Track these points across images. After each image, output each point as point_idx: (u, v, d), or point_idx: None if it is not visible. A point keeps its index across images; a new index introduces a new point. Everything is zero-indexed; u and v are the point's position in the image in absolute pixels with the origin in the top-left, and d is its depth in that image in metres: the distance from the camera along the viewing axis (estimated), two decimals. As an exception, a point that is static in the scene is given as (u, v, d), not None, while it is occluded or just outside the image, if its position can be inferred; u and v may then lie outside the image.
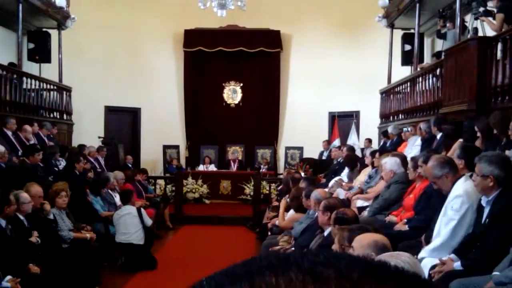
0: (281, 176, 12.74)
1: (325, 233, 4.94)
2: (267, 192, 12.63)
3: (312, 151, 14.66)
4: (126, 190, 8.68)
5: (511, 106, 5.66)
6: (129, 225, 7.60)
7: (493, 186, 3.80)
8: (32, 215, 5.88)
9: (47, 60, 13.21)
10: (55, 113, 12.96)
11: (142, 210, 7.99)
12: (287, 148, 16.28)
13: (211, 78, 16.35)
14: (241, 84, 16.52)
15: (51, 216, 6.35)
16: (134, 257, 7.52)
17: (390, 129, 10.52)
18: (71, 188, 7.07)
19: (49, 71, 13.34)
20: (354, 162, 8.98)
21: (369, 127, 14.07)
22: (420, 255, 4.23)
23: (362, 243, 2.90)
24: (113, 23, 14.92)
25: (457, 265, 3.72)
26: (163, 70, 16.13)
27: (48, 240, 5.90)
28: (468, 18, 8.32)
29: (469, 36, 7.68)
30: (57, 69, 13.41)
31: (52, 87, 12.92)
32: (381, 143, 11.35)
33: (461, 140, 6.43)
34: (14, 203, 5.44)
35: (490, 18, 7.43)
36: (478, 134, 6.11)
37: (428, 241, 4.40)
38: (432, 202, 4.94)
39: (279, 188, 11.49)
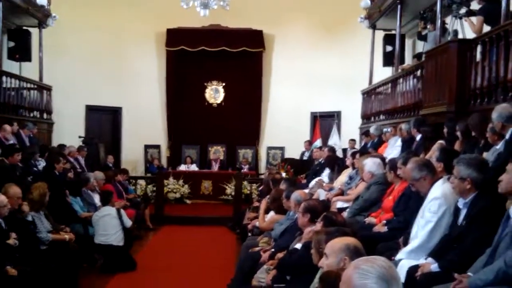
0: (263, 176, 12.74)
1: (304, 233, 4.93)
2: (248, 192, 12.63)
3: (294, 151, 14.74)
4: (106, 191, 8.62)
5: (489, 108, 5.69)
6: (109, 226, 7.55)
7: (471, 189, 3.83)
8: (10, 217, 5.78)
9: (28, 58, 13.07)
10: (35, 112, 12.83)
11: (122, 211, 7.93)
12: (269, 148, 16.32)
13: (193, 77, 16.30)
14: (223, 84, 16.51)
15: (29, 218, 6.26)
16: (113, 258, 7.47)
17: (371, 130, 10.55)
18: (50, 189, 6.98)
19: (29, 70, 13.18)
20: (334, 163, 8.99)
21: (351, 127, 14.15)
22: (398, 256, 4.26)
23: (334, 249, 2.90)
24: (94, 21, 14.81)
25: (435, 267, 3.74)
26: (145, 69, 16.04)
27: (26, 242, 5.80)
28: (449, 20, 8.38)
29: (449, 38, 7.73)
30: (37, 68, 13.27)
31: (32, 86, 12.79)
32: (362, 144, 11.39)
33: (440, 141, 6.47)
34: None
35: (473, 18, 7.49)
36: (459, 135, 6.15)
37: (406, 243, 4.42)
38: (411, 203, 4.97)
39: (260, 188, 11.49)
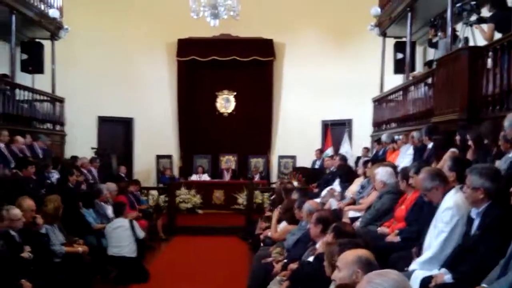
0: (274, 186, 12.72)
1: (317, 245, 4.93)
2: (260, 201, 12.60)
3: (305, 160, 14.71)
4: (119, 202, 8.64)
5: (501, 115, 5.66)
6: (122, 238, 7.56)
7: (484, 199, 3.81)
8: (24, 230, 5.81)
9: (40, 71, 13.21)
10: (48, 124, 12.94)
11: (135, 222, 7.95)
12: (280, 157, 16.31)
13: (204, 87, 16.39)
14: (234, 93, 16.57)
15: (43, 230, 6.30)
16: (126, 270, 7.47)
17: (383, 137, 10.52)
18: (63, 201, 7.02)
19: (42, 82, 13.30)
20: (346, 172, 8.96)
21: (362, 135, 14.11)
22: (411, 267, 4.23)
23: (346, 261, 2.89)
24: (106, 33, 14.96)
25: (448, 277, 3.72)
26: (156, 80, 16.14)
27: (40, 255, 5.84)
28: (459, 27, 8.35)
29: (460, 46, 7.71)
30: (50, 80, 13.39)
31: (45, 98, 12.91)
32: (374, 152, 11.36)
33: (452, 150, 6.44)
34: (6, 218, 5.41)
35: (484, 25, 7.46)
36: (470, 143, 6.12)
37: (419, 253, 4.40)
38: (424, 213, 4.95)
39: (272, 197, 11.48)
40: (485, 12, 7.74)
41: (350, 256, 2.93)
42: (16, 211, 5.66)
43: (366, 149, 12.69)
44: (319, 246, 4.80)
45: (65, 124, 14.01)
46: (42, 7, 12.46)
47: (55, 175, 9.39)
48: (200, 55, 15.94)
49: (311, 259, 4.58)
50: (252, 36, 15.71)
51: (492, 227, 3.65)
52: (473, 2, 7.64)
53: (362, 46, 14.57)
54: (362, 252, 2.99)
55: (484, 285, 3.32)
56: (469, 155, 6.04)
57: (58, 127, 13.60)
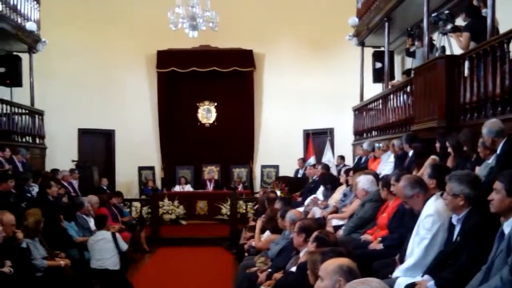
0: (258, 195, 12.75)
1: (301, 254, 4.96)
2: (244, 211, 12.61)
3: (288, 169, 14.77)
4: (100, 215, 8.58)
5: (479, 123, 5.76)
6: (104, 250, 7.50)
7: (464, 205, 3.87)
8: (4, 244, 5.76)
9: (19, 84, 13.06)
10: (27, 137, 12.80)
11: (117, 234, 7.89)
12: (263, 167, 16.34)
13: (185, 98, 16.39)
14: (215, 104, 16.60)
15: (24, 245, 6.23)
16: (110, 283, 7.42)
17: (364, 146, 10.61)
18: (44, 214, 6.96)
19: (20, 95, 13.17)
20: (328, 180, 9.02)
21: (344, 144, 14.19)
22: (395, 274, 4.28)
23: (328, 271, 2.90)
24: (85, 45, 14.91)
25: (431, 284, 3.76)
26: (136, 92, 16.09)
27: (22, 269, 5.78)
28: (436, 36, 8.48)
29: (437, 55, 7.83)
30: (28, 93, 13.27)
31: (24, 111, 12.77)
32: (356, 160, 11.44)
33: (433, 157, 6.53)
34: (-14, 233, 5.36)
35: (459, 34, 7.58)
36: (450, 150, 6.22)
37: (402, 260, 4.44)
38: (405, 220, 5.00)
39: (255, 207, 11.49)
40: (460, 22, 7.86)
41: (331, 265, 2.94)
42: (-5, 226, 5.61)
43: (341, 158, 12.82)
44: (302, 255, 4.82)
45: (45, 137, 13.87)
46: (19, 20, 12.33)
47: (35, 189, 9.30)
48: (180, 67, 15.94)
49: (294, 268, 4.59)
50: (231, 47, 15.78)
51: (473, 233, 3.70)
52: (446, 12, 7.78)
53: (341, 55, 14.70)
54: (343, 261, 3.01)
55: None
56: (449, 162, 6.13)
57: (38, 140, 13.46)
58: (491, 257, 3.33)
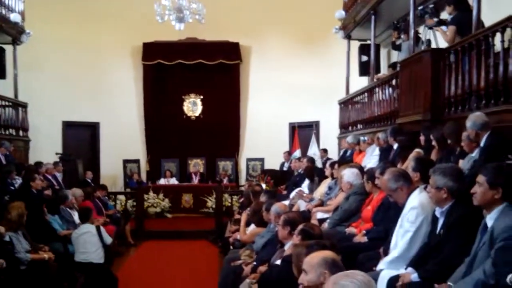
0: (243, 188, 12.74)
1: (286, 247, 4.96)
2: (229, 204, 12.61)
3: (273, 162, 14.78)
4: (84, 208, 8.51)
5: (464, 116, 5.79)
6: (89, 244, 7.45)
7: (447, 198, 3.88)
8: (-13, 238, 5.72)
9: (2, 76, 12.91)
10: (10, 130, 12.65)
11: (102, 228, 7.84)
12: (249, 160, 16.33)
13: (171, 91, 16.32)
14: (201, 97, 16.54)
15: (7, 238, 6.18)
16: (94, 276, 7.36)
17: (349, 139, 10.62)
18: (27, 207, 6.90)
19: (4, 87, 13.01)
20: (314, 173, 9.03)
21: (329, 137, 14.23)
22: (379, 267, 4.30)
23: (312, 264, 2.91)
24: (69, 37, 14.78)
25: (414, 276, 3.78)
26: (122, 84, 16.00)
27: (5, 263, 5.73)
28: (422, 29, 8.50)
29: (422, 48, 7.85)
30: (12, 85, 13.12)
31: (7, 103, 12.62)
32: (341, 153, 11.47)
33: (417, 150, 6.56)
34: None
35: (444, 27, 7.60)
36: (434, 143, 6.24)
37: (386, 253, 4.46)
38: (390, 213, 5.02)
39: (241, 200, 11.49)
40: (445, 15, 7.88)
41: (315, 258, 2.94)
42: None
43: (324, 151, 12.85)
44: (287, 248, 4.82)
45: (29, 129, 13.74)
46: (3, 11, 12.18)
47: (18, 181, 9.21)
48: (166, 59, 15.87)
49: (279, 261, 4.59)
50: (218, 39, 15.71)
51: (456, 225, 3.73)
52: (431, 6, 7.80)
53: (328, 49, 14.72)
54: (327, 254, 3.02)
55: (450, 283, 3.39)
56: (433, 155, 6.16)
57: (21, 133, 13.32)
58: (474, 250, 3.35)
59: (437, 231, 3.93)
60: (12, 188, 8.86)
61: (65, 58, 14.94)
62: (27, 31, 13.25)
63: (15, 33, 12.84)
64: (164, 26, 12.13)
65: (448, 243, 3.73)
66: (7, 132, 12.35)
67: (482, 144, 4.99)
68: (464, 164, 5.15)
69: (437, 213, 3.97)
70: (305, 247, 3.54)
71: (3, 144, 10.76)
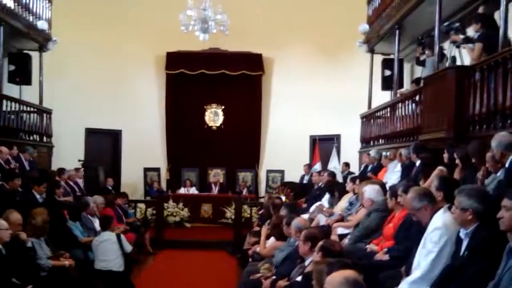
0: (263, 200, 12.74)
1: (306, 263, 4.94)
2: (248, 216, 12.60)
3: (294, 174, 14.75)
4: (106, 216, 8.57)
5: (488, 135, 5.73)
6: (109, 251, 7.50)
7: (472, 219, 3.83)
8: (10, 243, 5.77)
9: (28, 82, 13.13)
10: (35, 136, 12.84)
11: (122, 236, 7.89)
12: (269, 171, 16.33)
13: (193, 100, 16.40)
14: (223, 107, 16.60)
15: (29, 244, 6.24)
16: (113, 284, 7.40)
17: (372, 153, 10.61)
18: (51, 214, 6.97)
19: (29, 93, 13.24)
20: (334, 187, 8.99)
21: (350, 151, 14.16)
22: (400, 286, 4.25)
23: (333, 283, 2.88)
24: (94, 45, 14.93)
25: (437, 298, 3.74)
26: (144, 92, 16.14)
27: (26, 268, 5.79)
28: (447, 45, 8.45)
29: (447, 64, 7.80)
30: (37, 91, 13.33)
31: (32, 109, 12.82)
32: (362, 168, 11.41)
33: (440, 167, 6.50)
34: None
35: (471, 45, 7.55)
36: (458, 161, 6.18)
37: (408, 272, 4.42)
38: (412, 232, 4.97)
39: (260, 212, 11.48)
40: (471, 32, 7.83)
41: (337, 277, 2.92)
42: (2, 222, 5.62)
43: (346, 164, 12.81)
44: (308, 263, 4.81)
45: (52, 135, 13.91)
46: (31, 18, 12.41)
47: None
48: (189, 69, 15.99)
49: (300, 278, 4.58)
50: (241, 50, 15.78)
51: (481, 248, 3.67)
52: (457, 24, 7.75)
53: (351, 62, 14.69)
54: (349, 273, 2.99)
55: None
56: (456, 174, 6.10)
57: (45, 139, 13.51)
58: (499, 274, 3.30)
59: (461, 253, 3.89)
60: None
61: (90, 65, 15.12)
62: (54, 38, 13.46)
63: (42, 40, 13.06)
64: (188, 36, 12.22)
65: (472, 266, 3.68)
66: (31, 138, 12.54)
67: (507, 165, 4.92)
68: (488, 183, 5.09)
69: (462, 235, 3.92)
70: (326, 265, 3.52)
71: (27, 150, 10.92)
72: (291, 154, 15.57)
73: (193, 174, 16.15)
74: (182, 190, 14.99)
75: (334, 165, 12.62)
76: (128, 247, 7.85)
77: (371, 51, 13.21)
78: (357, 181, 7.69)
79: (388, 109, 11.34)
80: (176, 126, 16.25)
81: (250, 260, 7.63)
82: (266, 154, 16.47)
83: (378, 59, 13.36)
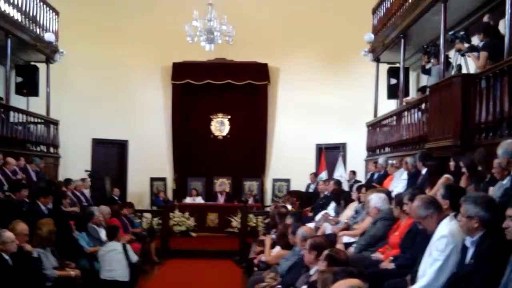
0: (269, 209, 12.71)
1: (311, 272, 4.93)
2: (254, 225, 12.57)
3: (299, 183, 14.71)
4: (112, 226, 8.60)
5: (495, 142, 5.72)
6: (114, 261, 7.51)
7: (478, 227, 3.81)
8: (17, 254, 5.78)
9: (35, 93, 13.23)
10: (41, 147, 12.90)
11: (128, 246, 7.91)
12: (274, 180, 16.32)
13: (199, 110, 16.46)
14: (229, 117, 16.63)
15: (35, 254, 6.26)
16: (119, 294, 7.42)
17: (380, 161, 10.60)
18: (56, 224, 6.99)
19: (36, 105, 13.31)
20: (340, 196, 8.97)
21: (356, 159, 14.14)
22: (406, 295, 4.24)
23: None
24: (101, 56, 15.02)
25: (443, 306, 3.72)
26: (151, 103, 16.20)
27: (32, 279, 5.80)
28: (452, 54, 8.45)
29: (453, 73, 7.79)
30: (44, 103, 13.41)
31: (39, 120, 12.89)
32: (368, 176, 11.39)
33: (446, 176, 6.48)
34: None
35: (475, 54, 7.54)
36: (464, 170, 6.16)
37: (413, 281, 4.39)
38: (418, 240, 4.95)
39: (266, 221, 11.45)
40: (476, 41, 7.83)
41: (342, 286, 2.92)
42: (8, 233, 5.63)
43: (353, 173, 12.79)
44: (313, 272, 4.79)
45: (59, 146, 13.97)
46: (38, 31, 12.52)
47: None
48: (194, 79, 16.05)
49: (305, 287, 4.56)
50: (246, 60, 15.83)
51: (487, 256, 3.65)
52: (462, 32, 7.75)
53: (356, 71, 14.69)
54: (354, 282, 2.99)
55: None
56: (463, 182, 6.08)
57: (52, 150, 13.57)
58: (504, 282, 3.28)
59: (467, 261, 3.86)
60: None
61: (96, 76, 15.21)
62: (61, 50, 13.56)
63: (49, 52, 13.15)
64: (193, 46, 12.31)
65: (477, 274, 3.66)
66: (38, 149, 12.60)
67: (514, 172, 4.91)
68: (494, 191, 5.06)
69: (467, 243, 3.90)
70: (331, 274, 3.52)
71: (34, 161, 10.97)
72: (297, 163, 15.56)
73: (199, 183, 16.16)
74: (188, 200, 14.99)
75: (340, 173, 12.60)
76: (134, 257, 7.87)
77: (377, 60, 13.23)
78: (363, 190, 7.67)
79: (394, 117, 11.33)
80: (182, 136, 16.29)
81: (255, 269, 7.60)
82: (272, 163, 16.46)
83: (384, 68, 13.37)
